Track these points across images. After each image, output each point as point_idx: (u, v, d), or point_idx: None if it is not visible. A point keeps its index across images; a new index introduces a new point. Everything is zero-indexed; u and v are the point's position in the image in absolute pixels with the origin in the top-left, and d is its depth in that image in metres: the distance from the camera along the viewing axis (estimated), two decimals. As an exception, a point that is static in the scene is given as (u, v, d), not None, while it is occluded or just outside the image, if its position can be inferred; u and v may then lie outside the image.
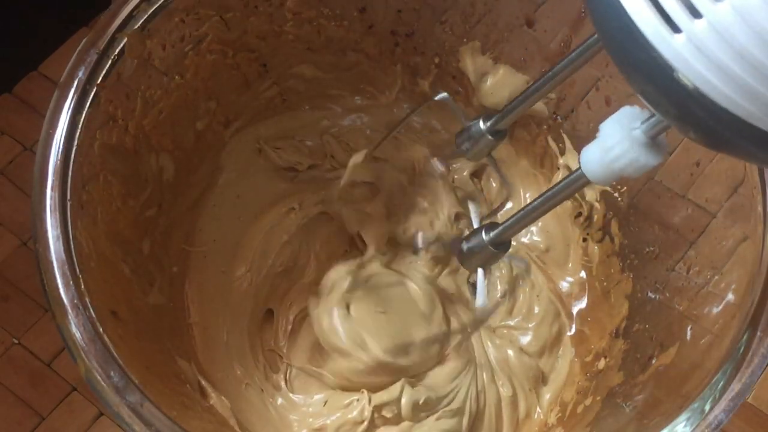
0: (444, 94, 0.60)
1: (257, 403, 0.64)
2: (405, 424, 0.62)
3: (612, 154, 0.40)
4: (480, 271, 0.54)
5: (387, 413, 0.61)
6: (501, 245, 0.52)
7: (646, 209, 0.64)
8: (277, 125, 0.73)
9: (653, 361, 0.58)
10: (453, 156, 0.59)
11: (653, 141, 0.40)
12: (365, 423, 0.61)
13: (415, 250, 0.71)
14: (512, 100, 0.55)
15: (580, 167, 0.43)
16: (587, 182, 0.43)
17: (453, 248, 0.57)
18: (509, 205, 0.72)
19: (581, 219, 0.70)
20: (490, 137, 0.57)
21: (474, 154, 0.59)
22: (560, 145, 0.69)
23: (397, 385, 0.62)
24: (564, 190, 0.46)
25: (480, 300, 0.56)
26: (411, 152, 0.73)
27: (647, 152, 0.40)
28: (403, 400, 0.61)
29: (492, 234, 0.52)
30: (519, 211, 0.50)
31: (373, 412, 0.61)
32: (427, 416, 0.62)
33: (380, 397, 0.62)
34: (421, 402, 0.62)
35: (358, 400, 0.63)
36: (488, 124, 0.57)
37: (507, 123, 0.56)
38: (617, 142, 0.40)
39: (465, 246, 0.53)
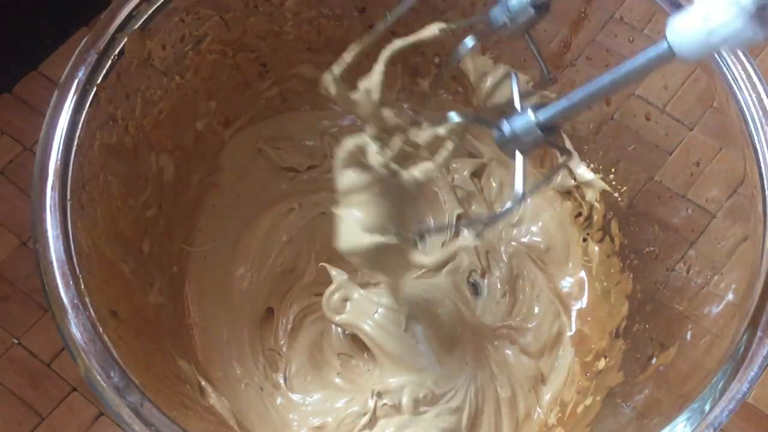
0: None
1: (257, 402, 0.64)
2: (404, 417, 0.62)
3: (712, 24, 0.35)
4: (519, 157, 0.46)
5: (389, 401, 0.61)
6: (549, 129, 0.45)
7: (646, 209, 0.64)
8: (277, 125, 0.73)
9: (653, 361, 0.58)
10: (486, 34, 0.50)
11: (762, 12, 0.35)
12: (368, 415, 0.61)
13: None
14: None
15: (664, 40, 0.38)
16: (671, 57, 0.38)
17: (491, 128, 0.48)
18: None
19: (581, 219, 0.70)
20: (531, 10, 0.49)
21: (512, 30, 0.50)
22: (560, 145, 0.69)
23: (400, 379, 0.62)
24: (641, 68, 0.40)
25: (519, 188, 0.46)
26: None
27: (755, 23, 0.35)
28: (404, 397, 0.61)
29: (542, 115, 0.45)
30: (578, 89, 0.43)
31: (375, 402, 0.61)
32: (427, 411, 0.62)
33: (384, 384, 0.62)
34: (421, 396, 0.62)
35: (360, 394, 0.63)
36: None
37: None
38: (721, 8, 0.35)
39: (508, 127, 0.46)
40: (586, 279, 0.69)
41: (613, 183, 0.67)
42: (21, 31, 0.76)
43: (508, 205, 0.47)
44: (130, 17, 0.55)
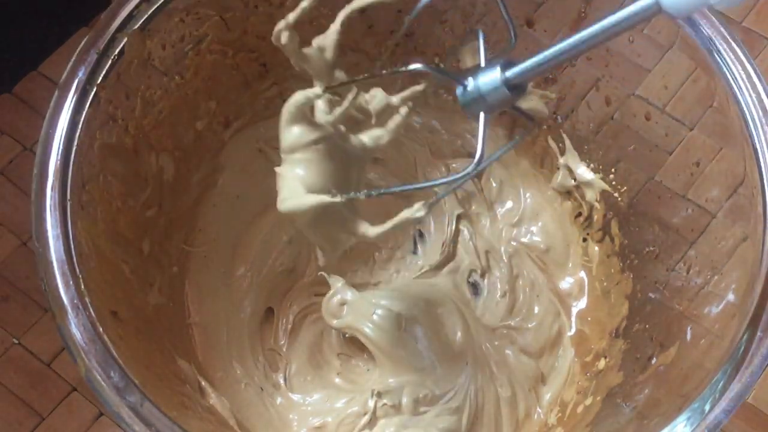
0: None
1: (257, 402, 0.64)
2: (404, 416, 0.62)
3: None
4: (482, 117, 0.43)
5: (388, 401, 0.61)
6: (516, 88, 0.42)
7: (646, 209, 0.64)
8: (277, 125, 0.73)
9: (653, 361, 0.58)
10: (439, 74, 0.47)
11: None
12: (368, 415, 0.61)
13: (415, 251, 0.71)
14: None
15: None
16: (657, 11, 0.36)
17: (454, 83, 0.44)
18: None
19: (581, 219, 0.70)
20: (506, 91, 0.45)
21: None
22: (560, 145, 0.69)
23: (401, 379, 0.62)
24: (623, 22, 0.38)
25: (479, 151, 0.43)
26: (411, 152, 0.73)
27: None
28: (404, 397, 0.61)
29: (511, 71, 0.42)
30: (554, 44, 0.40)
31: (375, 402, 0.61)
32: (427, 411, 0.62)
33: (383, 384, 0.62)
34: (421, 396, 0.62)
35: (360, 394, 0.63)
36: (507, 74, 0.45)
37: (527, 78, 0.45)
38: None
39: (473, 83, 0.43)
40: (586, 279, 0.69)
41: (613, 183, 0.67)
42: (21, 31, 0.76)
43: (469, 169, 0.45)
44: (130, 17, 0.55)
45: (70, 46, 0.76)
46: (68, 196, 0.50)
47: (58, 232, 0.49)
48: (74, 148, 0.52)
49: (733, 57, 0.54)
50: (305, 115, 0.52)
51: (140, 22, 0.56)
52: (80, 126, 0.52)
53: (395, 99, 0.55)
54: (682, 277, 0.59)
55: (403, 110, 0.53)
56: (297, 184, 0.52)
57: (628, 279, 0.65)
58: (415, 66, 0.45)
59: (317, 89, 0.51)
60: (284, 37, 0.50)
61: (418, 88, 0.51)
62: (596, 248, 0.69)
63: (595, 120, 0.67)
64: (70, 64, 0.53)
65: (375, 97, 0.55)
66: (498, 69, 0.42)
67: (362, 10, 0.67)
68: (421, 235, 0.71)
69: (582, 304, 0.69)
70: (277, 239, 0.69)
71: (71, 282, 0.48)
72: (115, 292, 0.55)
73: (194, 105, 0.66)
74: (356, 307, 0.64)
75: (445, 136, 0.74)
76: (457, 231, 0.72)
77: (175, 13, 0.58)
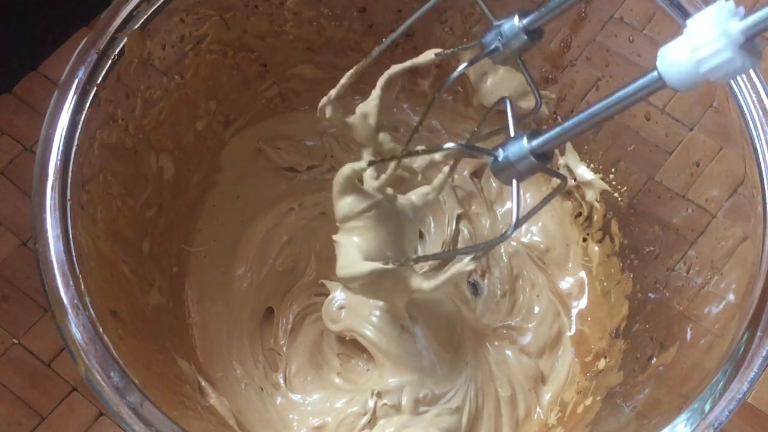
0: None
1: (257, 402, 0.64)
2: (404, 416, 0.62)
3: (701, 54, 0.35)
4: (515, 184, 0.46)
5: (388, 401, 0.61)
6: (542, 156, 0.45)
7: (646, 209, 0.64)
8: (277, 125, 0.73)
9: (653, 361, 0.58)
10: (477, 59, 0.50)
11: (750, 42, 0.35)
12: (368, 415, 0.61)
13: (415, 250, 0.71)
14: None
15: (655, 69, 0.38)
16: (662, 86, 0.38)
17: (486, 156, 0.48)
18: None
19: (581, 219, 0.70)
20: (524, 36, 0.48)
21: (504, 55, 0.50)
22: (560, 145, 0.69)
23: (401, 379, 0.62)
24: (632, 95, 0.40)
25: (515, 215, 0.47)
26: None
27: (744, 54, 0.35)
28: (404, 397, 0.61)
29: (536, 141, 0.44)
30: (572, 117, 0.43)
31: (375, 402, 0.61)
32: (427, 411, 0.62)
33: (383, 384, 0.62)
34: (421, 396, 0.62)
35: (360, 394, 0.63)
36: (525, 21, 0.48)
37: (546, 21, 0.48)
38: (710, 40, 0.35)
39: (502, 154, 0.46)
40: (586, 279, 0.69)
41: (613, 183, 0.67)
42: (21, 31, 0.76)
43: (508, 231, 0.48)
44: (130, 17, 0.55)
45: (70, 46, 0.76)
46: (68, 196, 0.50)
47: (58, 232, 0.49)
48: (74, 148, 0.52)
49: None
50: (355, 186, 0.55)
51: (140, 22, 0.56)
52: (80, 126, 0.52)
53: (437, 156, 0.58)
54: (682, 277, 0.59)
55: (446, 169, 0.57)
56: (354, 251, 0.56)
57: (628, 279, 0.65)
58: (450, 146, 0.50)
59: (363, 163, 0.55)
60: (329, 112, 0.53)
61: (454, 148, 0.54)
62: (596, 248, 0.69)
63: (595, 120, 0.67)
64: (70, 64, 0.53)
65: (419, 156, 0.58)
66: (524, 139, 0.45)
67: (362, 10, 0.67)
68: (421, 235, 0.71)
69: (582, 304, 0.69)
70: (277, 239, 0.69)
71: (71, 282, 0.48)
72: (115, 292, 0.55)
73: (194, 105, 0.66)
74: (354, 309, 0.64)
75: (446, 136, 0.74)
76: (457, 231, 0.72)
77: (175, 13, 0.58)
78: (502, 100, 0.51)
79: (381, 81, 0.54)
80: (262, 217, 0.70)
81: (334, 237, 0.57)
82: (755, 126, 0.53)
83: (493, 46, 0.49)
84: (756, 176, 0.52)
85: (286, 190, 0.72)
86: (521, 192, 0.47)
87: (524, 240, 0.71)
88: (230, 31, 0.64)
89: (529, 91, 0.65)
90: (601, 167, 0.68)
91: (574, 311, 0.69)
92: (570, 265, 0.70)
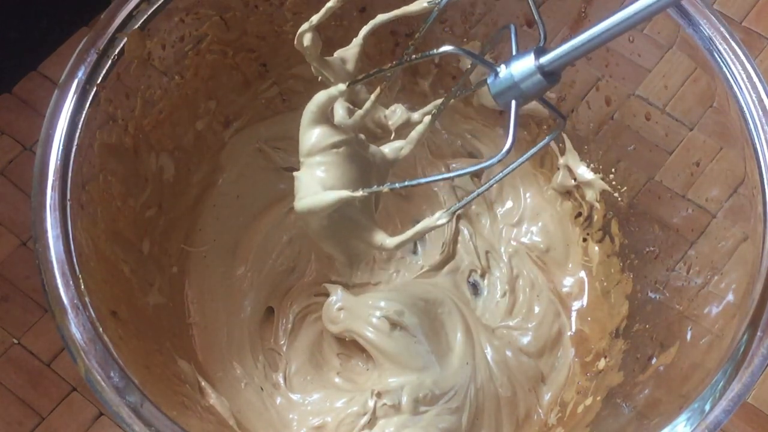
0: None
1: (256, 402, 0.64)
2: (404, 416, 0.62)
3: None
4: (514, 105, 0.42)
5: (388, 401, 0.61)
6: (551, 75, 0.41)
7: (646, 209, 0.64)
8: (277, 125, 0.73)
9: (653, 361, 0.58)
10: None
11: None
12: (367, 415, 0.61)
13: (414, 251, 0.71)
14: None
15: None
16: None
17: (487, 69, 0.43)
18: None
19: (581, 219, 0.70)
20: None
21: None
22: (560, 145, 0.69)
23: (401, 379, 0.62)
24: (648, 8, 0.39)
25: (510, 140, 0.42)
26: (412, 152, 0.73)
27: None
28: (404, 397, 0.61)
29: (544, 58, 0.41)
30: (583, 32, 0.41)
31: (375, 402, 0.61)
32: (427, 411, 0.62)
33: (383, 384, 0.62)
34: (421, 396, 0.62)
35: (360, 394, 0.63)
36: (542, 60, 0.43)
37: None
38: None
39: (505, 69, 0.42)
40: (586, 279, 0.69)
41: (613, 183, 0.67)
42: (21, 31, 0.76)
43: (492, 160, 0.44)
44: (130, 17, 0.55)
45: (70, 46, 0.76)
46: (68, 196, 0.50)
47: (58, 232, 0.49)
48: (74, 148, 0.52)
49: (733, 57, 0.54)
50: (327, 118, 0.51)
51: (140, 22, 0.56)
52: (80, 126, 0.52)
53: (416, 115, 0.54)
54: (682, 277, 0.59)
55: (427, 120, 0.53)
56: (316, 185, 0.50)
57: (628, 279, 0.65)
58: (446, 49, 0.43)
59: (340, 86, 0.50)
60: (307, 39, 0.50)
61: (438, 102, 0.50)
62: (596, 248, 0.69)
63: (595, 120, 0.67)
64: (70, 64, 0.53)
65: (395, 113, 0.54)
66: (532, 55, 0.41)
67: (362, 10, 0.67)
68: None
69: (582, 304, 0.69)
70: (277, 239, 0.69)
71: (71, 282, 0.48)
72: (115, 292, 0.55)
73: (194, 105, 0.66)
74: (354, 310, 0.64)
75: (445, 135, 0.74)
76: (457, 231, 0.72)
77: (175, 13, 0.58)
78: (507, 27, 0.47)
79: (365, 29, 0.50)
80: (262, 217, 0.70)
81: (295, 173, 0.52)
82: (755, 126, 0.53)
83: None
84: (756, 176, 0.52)
85: (286, 190, 0.71)
86: (517, 118, 0.42)
87: (524, 240, 0.71)
88: (230, 31, 0.64)
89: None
90: (601, 167, 0.68)
91: (574, 311, 0.69)
92: (570, 265, 0.70)
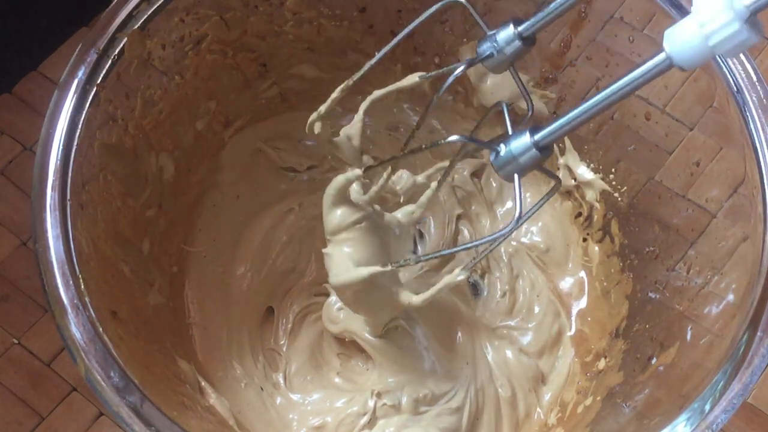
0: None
1: (256, 402, 0.64)
2: (404, 416, 0.62)
3: (710, 29, 0.37)
4: (516, 178, 0.47)
5: (388, 401, 0.62)
6: (545, 148, 0.46)
7: (646, 209, 0.64)
8: (277, 125, 0.73)
9: (653, 361, 0.58)
10: (473, 64, 0.51)
11: (754, 18, 0.37)
12: (367, 415, 0.61)
13: (414, 251, 0.71)
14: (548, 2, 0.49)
15: (661, 51, 0.39)
16: (669, 67, 0.39)
17: (488, 150, 0.48)
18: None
19: (581, 219, 0.70)
20: (518, 42, 0.50)
21: (497, 62, 0.51)
22: (560, 145, 0.69)
23: (401, 379, 0.62)
24: (638, 79, 0.41)
25: (518, 211, 0.47)
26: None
27: (750, 27, 0.36)
28: (404, 397, 0.61)
29: (539, 134, 0.45)
30: (575, 107, 0.44)
31: (375, 402, 0.61)
32: (427, 411, 0.62)
33: (383, 384, 0.62)
34: (421, 396, 0.62)
35: (360, 394, 0.63)
36: (520, 28, 0.49)
37: (539, 27, 0.50)
38: (717, 13, 0.37)
39: (504, 148, 0.46)
40: (586, 279, 0.69)
41: (613, 183, 0.67)
42: (21, 31, 0.76)
43: (505, 230, 0.49)
44: (130, 17, 0.55)
45: (70, 46, 0.76)
46: (68, 196, 0.50)
47: (58, 232, 0.49)
48: (74, 148, 0.52)
49: (733, 57, 0.54)
50: (346, 197, 0.57)
51: (140, 22, 0.56)
52: (80, 126, 0.52)
53: (420, 178, 0.61)
54: (682, 277, 0.59)
55: (433, 186, 0.59)
56: (346, 261, 0.56)
57: (628, 279, 0.65)
58: (453, 138, 0.49)
59: (357, 171, 0.56)
60: (317, 128, 0.55)
61: (441, 165, 0.56)
62: (596, 248, 0.69)
63: (595, 120, 0.67)
64: (70, 64, 0.53)
65: (401, 178, 0.61)
66: (527, 134, 0.46)
67: (362, 10, 0.67)
68: (421, 235, 0.72)
69: (582, 304, 0.69)
70: (277, 239, 0.69)
71: (71, 282, 0.48)
72: (115, 292, 0.55)
73: (194, 105, 0.66)
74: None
75: (445, 135, 0.74)
76: (457, 231, 0.72)
77: (175, 13, 0.58)
78: (498, 103, 0.52)
79: (364, 105, 0.55)
80: (262, 217, 0.70)
81: (324, 250, 0.58)
82: (755, 126, 0.53)
83: (487, 53, 0.50)
84: (756, 176, 0.52)
85: (286, 190, 0.72)
86: (521, 189, 0.47)
87: (524, 240, 0.71)
88: (230, 31, 0.64)
89: (528, 91, 0.65)
90: (601, 167, 0.68)
91: (574, 311, 0.69)
92: (570, 265, 0.70)
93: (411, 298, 0.57)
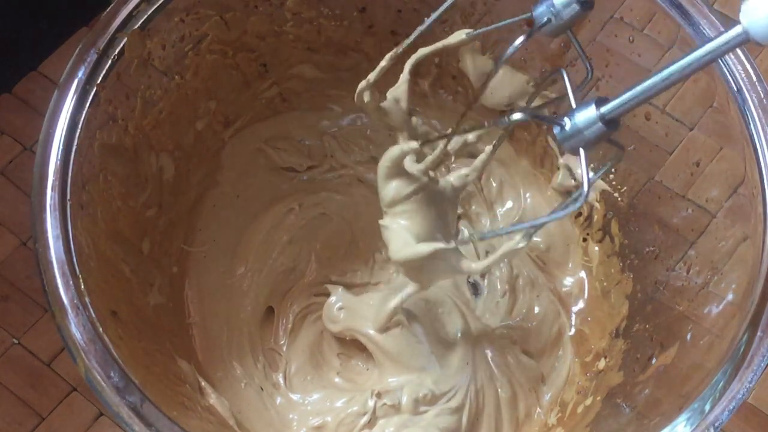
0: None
1: (256, 402, 0.64)
2: (404, 416, 0.62)
3: None
4: (582, 152, 0.46)
5: (388, 401, 0.62)
6: (611, 122, 0.45)
7: (646, 209, 0.64)
8: (277, 125, 0.73)
9: (653, 361, 0.58)
10: (532, 33, 0.50)
11: None
12: (367, 415, 0.61)
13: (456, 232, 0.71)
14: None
15: (737, 24, 0.38)
16: (745, 41, 0.38)
17: (552, 124, 0.47)
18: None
19: (581, 219, 0.70)
20: (576, 6, 0.49)
21: (555, 27, 0.50)
22: (560, 145, 0.69)
23: (401, 378, 0.62)
24: (713, 51, 0.40)
25: (585, 185, 0.46)
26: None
27: None
28: (404, 397, 0.61)
29: (605, 108, 0.44)
30: (643, 81, 0.43)
31: (375, 401, 0.61)
32: (427, 411, 0.62)
33: (383, 383, 0.63)
34: (421, 396, 0.62)
35: (360, 394, 0.63)
36: None
37: None
38: None
39: (569, 122, 0.46)
40: (586, 279, 0.69)
41: (613, 183, 0.67)
42: (21, 31, 0.76)
43: (573, 205, 0.48)
44: (130, 17, 0.55)
45: (70, 46, 0.76)
46: (68, 196, 0.50)
47: (58, 232, 0.49)
48: (74, 148, 0.52)
49: (733, 57, 0.54)
50: (401, 169, 0.55)
51: (140, 22, 0.56)
52: (80, 126, 0.52)
53: (471, 136, 0.59)
54: (682, 277, 0.59)
55: (488, 149, 0.57)
56: (405, 234, 0.55)
57: (628, 279, 0.65)
58: (517, 116, 0.48)
59: (413, 143, 0.54)
60: (366, 96, 0.53)
61: (520, 118, 0.52)
62: (596, 248, 0.69)
63: (595, 120, 0.67)
64: (70, 64, 0.53)
65: (453, 139, 0.58)
66: (593, 106, 0.45)
67: (362, 10, 0.67)
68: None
69: (582, 304, 0.69)
70: (277, 239, 0.69)
71: (71, 282, 0.48)
72: (115, 292, 0.55)
73: (194, 105, 0.66)
74: (354, 310, 0.64)
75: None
76: (457, 231, 0.72)
77: (175, 13, 0.58)
78: (557, 71, 0.51)
79: (408, 64, 0.54)
80: (262, 217, 0.70)
81: (381, 222, 0.57)
82: (755, 126, 0.53)
83: (545, 19, 0.49)
84: (756, 176, 0.52)
85: (286, 190, 0.72)
86: (587, 162, 0.46)
87: (524, 240, 0.71)
88: (230, 31, 0.64)
89: (527, 92, 0.66)
90: (601, 167, 0.68)
91: (574, 311, 0.69)
92: (570, 265, 0.70)
93: (471, 266, 0.56)
